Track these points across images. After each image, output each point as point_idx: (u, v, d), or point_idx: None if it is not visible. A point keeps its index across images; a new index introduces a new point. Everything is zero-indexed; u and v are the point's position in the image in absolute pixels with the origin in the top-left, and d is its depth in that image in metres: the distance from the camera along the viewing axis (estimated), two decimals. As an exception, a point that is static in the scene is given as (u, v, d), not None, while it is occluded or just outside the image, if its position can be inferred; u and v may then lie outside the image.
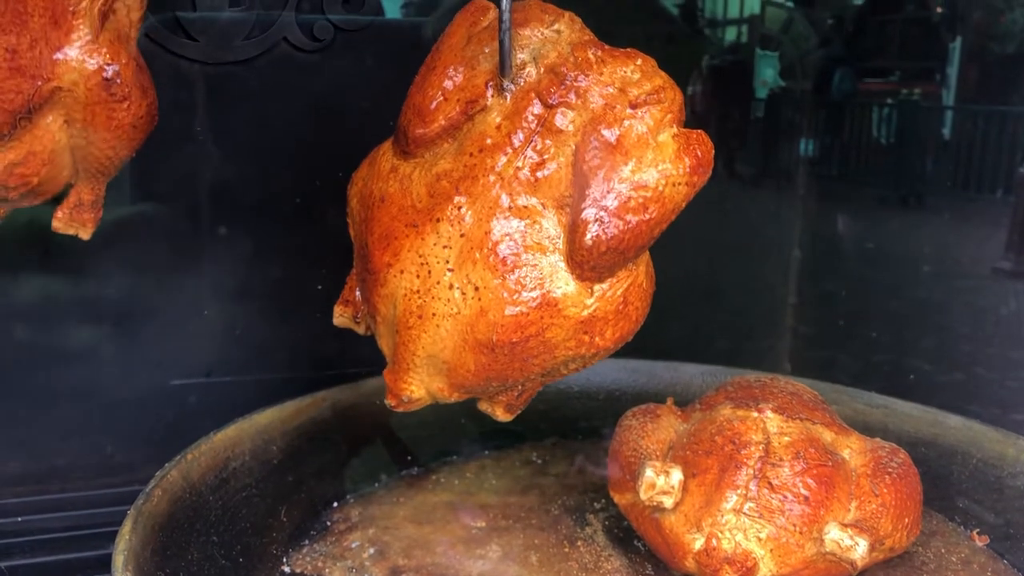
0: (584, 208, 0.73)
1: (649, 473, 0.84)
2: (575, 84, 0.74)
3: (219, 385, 1.15)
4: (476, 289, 0.76)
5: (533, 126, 0.75)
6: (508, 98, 0.77)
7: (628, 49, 0.76)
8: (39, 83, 0.76)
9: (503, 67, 0.76)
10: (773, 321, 1.66)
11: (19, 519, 1.02)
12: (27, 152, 0.79)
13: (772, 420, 0.87)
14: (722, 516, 0.82)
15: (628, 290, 0.77)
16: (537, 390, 0.86)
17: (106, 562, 0.72)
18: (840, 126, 1.99)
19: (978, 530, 0.97)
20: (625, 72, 0.74)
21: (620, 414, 0.98)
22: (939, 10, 1.87)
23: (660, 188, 0.73)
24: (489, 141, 0.76)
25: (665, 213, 0.74)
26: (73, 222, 0.86)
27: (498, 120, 0.77)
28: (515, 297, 0.75)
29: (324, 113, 1.15)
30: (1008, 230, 1.72)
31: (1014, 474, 0.97)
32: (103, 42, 0.78)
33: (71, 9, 0.77)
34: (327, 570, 0.88)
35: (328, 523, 0.97)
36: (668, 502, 0.84)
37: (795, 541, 0.81)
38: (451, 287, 0.77)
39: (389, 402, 0.83)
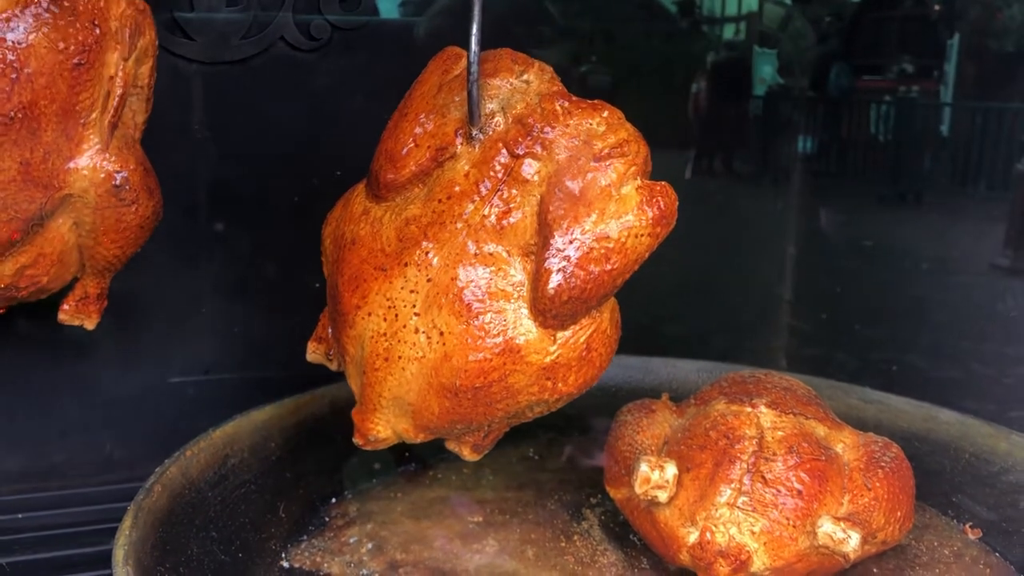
0: (547, 257, 0.74)
1: (644, 468, 0.85)
2: (541, 135, 0.75)
3: (217, 382, 1.15)
4: (441, 334, 0.77)
5: (500, 175, 0.76)
6: (476, 147, 0.78)
7: (595, 101, 0.77)
8: (52, 192, 0.79)
9: (472, 116, 0.77)
10: (769, 318, 1.67)
11: (19, 516, 1.03)
12: (37, 254, 0.82)
13: (766, 415, 0.88)
14: (716, 510, 0.83)
15: (591, 337, 0.78)
16: (504, 431, 0.87)
17: (106, 558, 0.73)
18: (838, 123, 1.99)
19: (971, 524, 0.97)
20: (591, 124, 0.75)
21: (616, 410, 0.99)
22: (937, 7, 1.87)
23: (622, 239, 0.74)
24: (457, 188, 0.78)
25: (627, 263, 0.75)
26: (79, 314, 0.90)
27: (466, 168, 0.78)
28: (478, 343, 0.76)
29: (321, 112, 1.15)
30: (1006, 226, 1.73)
31: (1006, 468, 0.98)
32: (112, 150, 0.82)
33: (82, 122, 0.80)
34: (325, 565, 0.89)
35: (326, 519, 0.98)
36: (663, 496, 0.84)
37: (788, 534, 0.82)
38: (417, 331, 0.78)
39: (357, 441, 0.85)
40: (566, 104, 0.76)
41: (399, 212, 0.81)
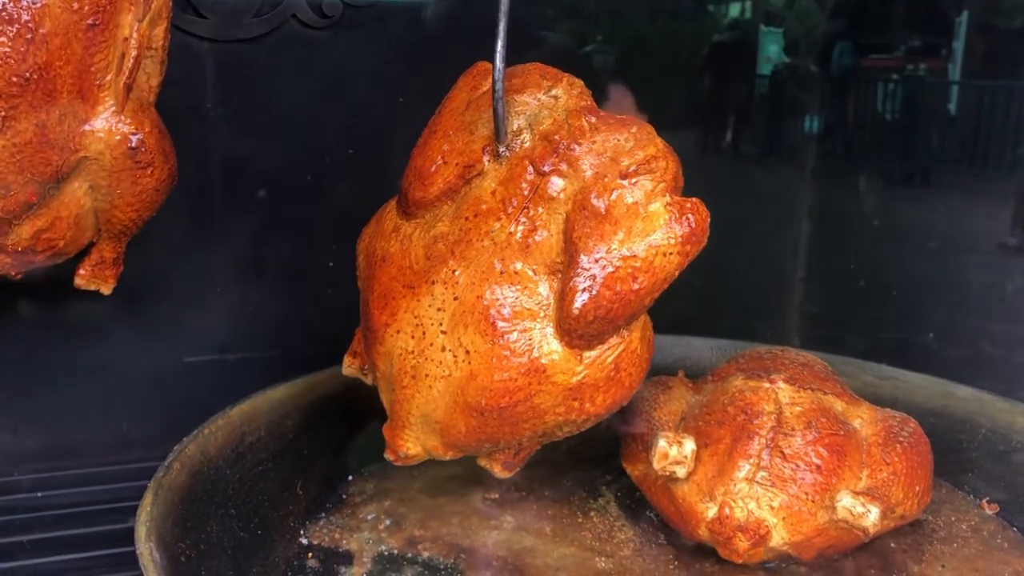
0: (573, 277, 0.73)
1: (662, 443, 0.85)
2: (567, 152, 0.74)
3: (233, 362, 1.16)
4: (467, 352, 0.77)
5: (526, 193, 0.76)
6: (503, 164, 0.77)
7: (625, 116, 0.75)
8: (67, 154, 0.79)
9: (498, 134, 0.77)
10: (778, 297, 1.67)
11: (38, 495, 1.03)
12: (54, 217, 0.82)
13: (784, 391, 0.88)
14: (735, 485, 0.83)
15: (620, 357, 0.77)
16: (535, 449, 0.87)
17: (125, 535, 0.73)
18: (845, 102, 1.98)
19: (987, 498, 0.98)
20: (618, 140, 0.74)
21: (632, 386, 0.99)
22: (945, -16, 1.86)
23: (650, 258, 0.72)
24: (484, 206, 0.77)
25: (656, 282, 0.73)
26: (95, 278, 0.90)
27: (493, 186, 0.77)
28: (503, 362, 0.75)
29: (334, 90, 1.15)
30: (1014, 206, 1.72)
31: (1023, 444, 0.98)
32: (127, 112, 0.81)
33: (98, 83, 0.79)
34: (344, 542, 0.89)
35: (344, 496, 0.98)
36: (681, 472, 0.85)
37: (807, 509, 0.82)
38: (443, 349, 0.78)
39: (388, 456, 0.85)
40: (593, 120, 0.75)
41: (428, 230, 0.81)
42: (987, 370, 1.45)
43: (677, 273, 0.74)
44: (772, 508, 0.82)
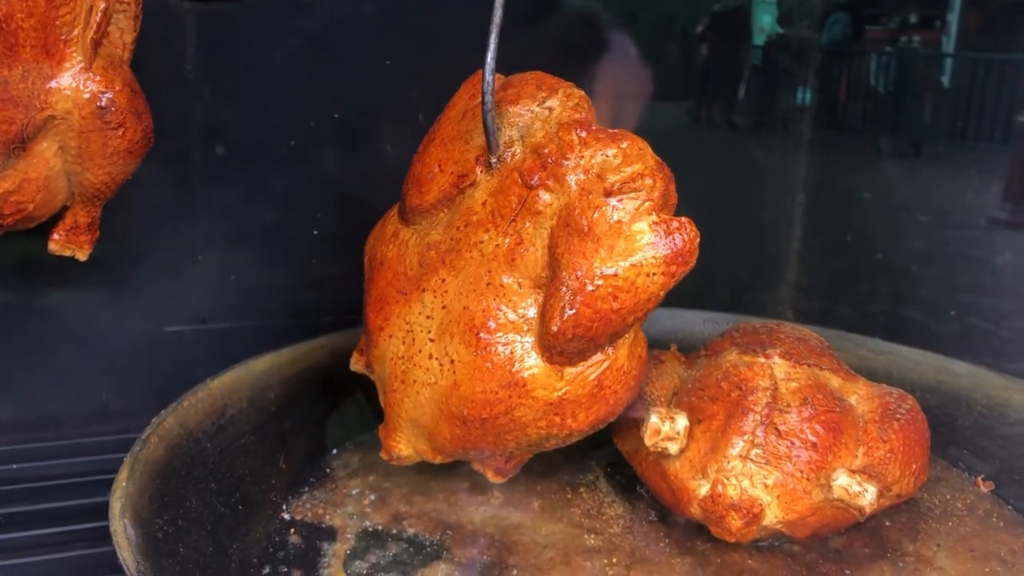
0: (554, 293, 0.72)
1: (654, 419, 0.83)
2: (555, 167, 0.73)
3: (214, 331, 1.13)
4: (452, 362, 0.77)
5: (515, 206, 0.75)
6: (494, 175, 0.77)
7: (616, 131, 0.73)
8: (33, 113, 0.76)
9: (489, 145, 0.76)
10: (774, 271, 1.65)
11: (14, 466, 1.01)
12: (22, 179, 0.79)
13: (779, 366, 0.86)
14: (728, 462, 0.81)
15: (603, 375, 0.76)
16: (528, 457, 0.86)
17: (103, 509, 0.71)
18: (838, 74, 1.96)
19: (983, 476, 0.96)
20: (606, 156, 0.72)
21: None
22: (941, -45, 1.84)
23: (631, 278, 0.71)
24: (475, 217, 0.77)
25: (638, 302, 0.72)
26: (69, 244, 0.86)
27: (484, 197, 0.77)
28: (485, 375, 0.75)
29: (318, 52, 1.11)
30: (1005, 179, 1.71)
31: (1018, 420, 0.97)
32: (96, 69, 0.78)
33: (63, 38, 0.75)
34: (327, 517, 0.87)
35: (328, 470, 0.96)
36: (673, 448, 0.83)
37: (802, 487, 0.80)
38: (431, 357, 0.78)
39: (383, 456, 0.85)
40: (583, 134, 0.73)
41: (423, 237, 0.81)
42: (975, 345, 1.45)
43: (663, 293, 0.72)
44: (766, 486, 0.81)
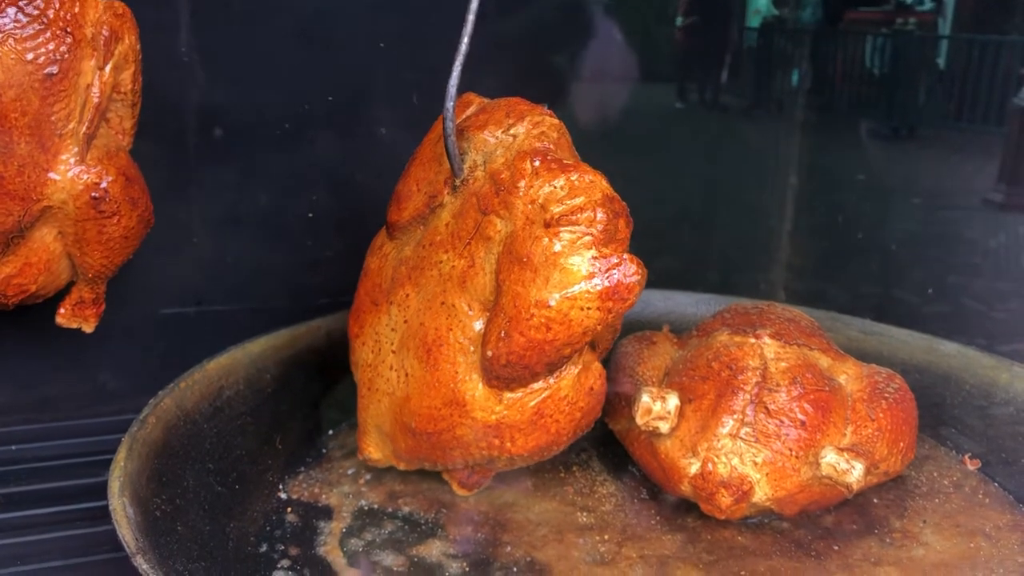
0: (492, 318, 0.74)
1: (646, 398, 0.84)
2: (506, 195, 0.74)
3: (210, 313, 1.14)
4: (407, 375, 0.79)
5: (471, 228, 0.76)
6: (458, 198, 0.79)
7: (571, 163, 0.73)
8: (29, 204, 0.78)
9: (452, 168, 0.78)
10: (766, 252, 1.66)
11: (12, 447, 1.01)
12: (23, 264, 0.82)
13: (769, 346, 0.87)
14: (718, 441, 0.82)
15: (543, 403, 0.77)
16: (490, 475, 0.88)
17: (101, 489, 0.72)
18: (834, 56, 1.96)
19: (969, 454, 0.98)
20: (553, 188, 0.72)
21: (616, 342, 0.98)
22: (936, -64, 1.84)
23: (564, 310, 0.71)
24: (438, 237, 0.79)
25: (572, 335, 0.72)
26: (75, 317, 0.90)
27: (448, 218, 0.79)
28: (431, 391, 0.77)
29: (313, 35, 1.11)
30: (1000, 161, 1.72)
31: (1006, 400, 0.98)
32: (91, 160, 0.80)
33: (58, 132, 0.78)
34: (324, 496, 0.88)
35: (324, 450, 0.97)
36: (664, 427, 0.84)
37: (791, 465, 0.81)
38: (391, 368, 0.81)
39: (360, 457, 0.88)
40: (537, 163, 0.73)
41: (400, 251, 0.84)
42: (967, 326, 1.46)
43: (599, 327, 0.72)
44: (755, 464, 0.82)
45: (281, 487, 0.90)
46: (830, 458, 0.80)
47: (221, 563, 0.74)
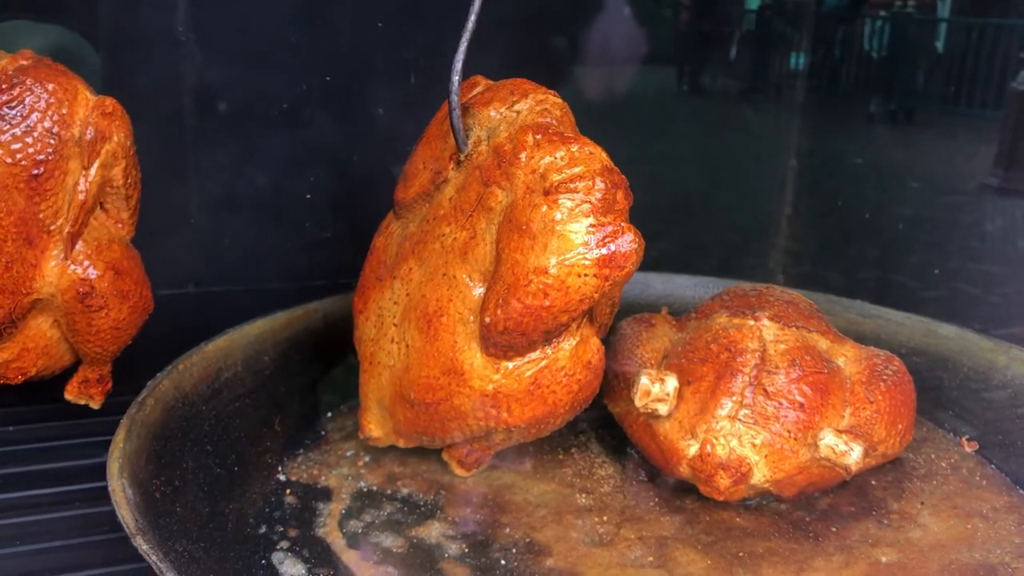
0: (491, 286, 0.74)
1: (644, 380, 0.84)
2: (508, 167, 0.74)
3: (208, 295, 1.13)
4: (407, 346, 0.80)
5: (473, 201, 0.77)
6: (461, 172, 0.80)
7: (572, 135, 0.74)
8: (19, 298, 0.79)
9: (457, 143, 0.79)
10: (765, 235, 1.66)
11: (11, 428, 1.01)
12: (20, 349, 0.84)
13: (768, 328, 0.87)
14: (717, 423, 0.82)
15: (540, 372, 0.77)
16: (490, 454, 0.88)
17: (100, 470, 0.72)
18: (833, 39, 1.96)
19: (967, 436, 0.98)
20: (554, 158, 0.73)
21: (615, 324, 0.98)
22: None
23: (561, 277, 0.71)
24: (442, 211, 0.80)
25: (569, 302, 0.72)
26: (82, 395, 0.92)
27: (451, 192, 0.80)
28: (430, 360, 0.78)
29: (310, 14, 1.11)
30: (997, 145, 1.72)
31: (1004, 382, 0.98)
32: (79, 255, 0.81)
33: (47, 229, 0.79)
34: (323, 478, 0.88)
35: (322, 432, 0.97)
36: (663, 409, 0.84)
37: (790, 447, 0.82)
38: (392, 340, 0.82)
39: (360, 436, 0.89)
40: (539, 136, 0.74)
41: (405, 228, 0.85)
42: (963, 310, 1.46)
43: (596, 296, 0.72)
44: (754, 446, 0.82)
45: (280, 469, 0.90)
46: (829, 440, 0.80)
47: (220, 544, 0.74)
